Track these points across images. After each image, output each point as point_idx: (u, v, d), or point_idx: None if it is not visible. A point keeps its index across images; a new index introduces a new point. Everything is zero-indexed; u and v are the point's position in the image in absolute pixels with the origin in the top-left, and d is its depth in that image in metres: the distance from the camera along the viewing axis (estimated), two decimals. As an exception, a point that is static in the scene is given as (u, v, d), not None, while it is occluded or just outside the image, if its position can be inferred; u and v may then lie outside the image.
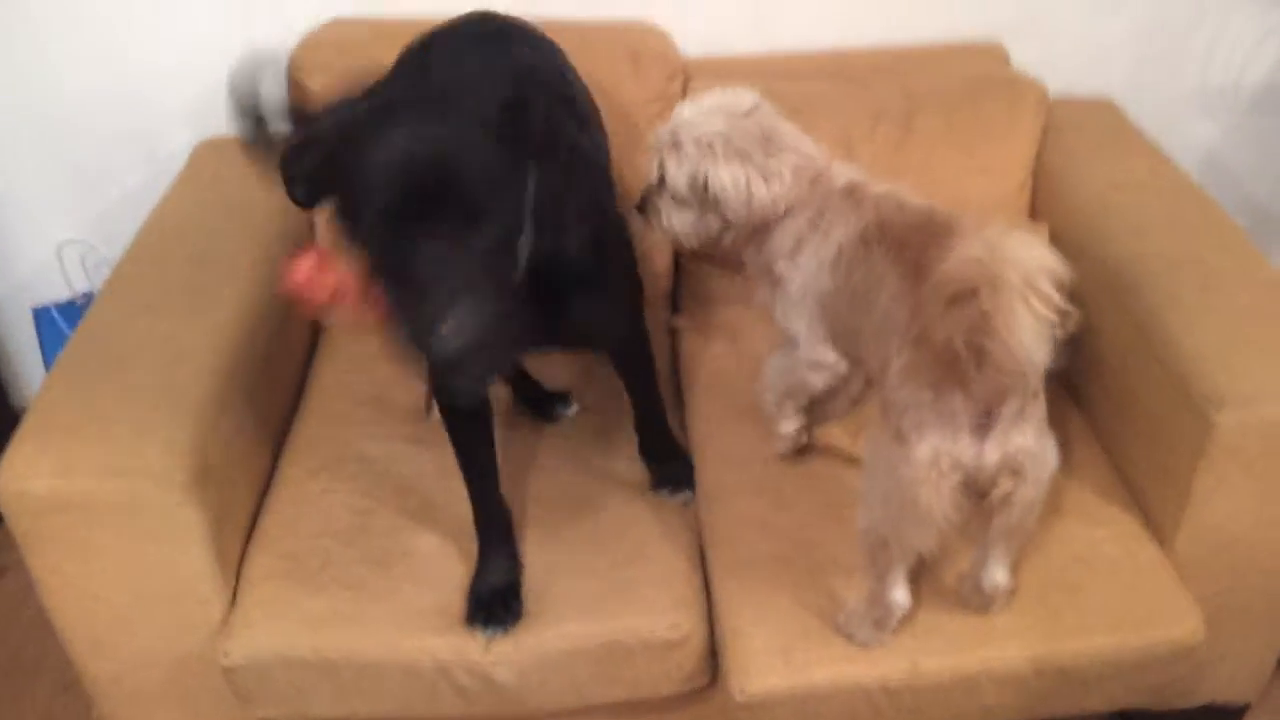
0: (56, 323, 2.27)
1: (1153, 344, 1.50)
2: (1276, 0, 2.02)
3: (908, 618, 1.39)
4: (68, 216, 2.20)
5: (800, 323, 1.47)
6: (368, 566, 1.50)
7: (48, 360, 2.29)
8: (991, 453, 1.21)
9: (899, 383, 1.24)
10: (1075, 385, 1.73)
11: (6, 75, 2.04)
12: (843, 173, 1.44)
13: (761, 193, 1.40)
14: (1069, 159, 1.85)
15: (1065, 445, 1.63)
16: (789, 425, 1.59)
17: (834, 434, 1.65)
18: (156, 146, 2.10)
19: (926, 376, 1.21)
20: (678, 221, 1.47)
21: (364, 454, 1.68)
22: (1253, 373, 1.40)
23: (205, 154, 1.96)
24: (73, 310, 2.26)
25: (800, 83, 1.88)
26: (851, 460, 1.61)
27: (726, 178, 1.39)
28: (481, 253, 1.08)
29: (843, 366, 1.48)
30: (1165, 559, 1.48)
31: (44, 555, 1.42)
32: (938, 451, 1.20)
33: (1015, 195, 1.85)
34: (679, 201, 1.45)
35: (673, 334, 1.93)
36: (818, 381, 1.51)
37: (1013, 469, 1.23)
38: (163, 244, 1.74)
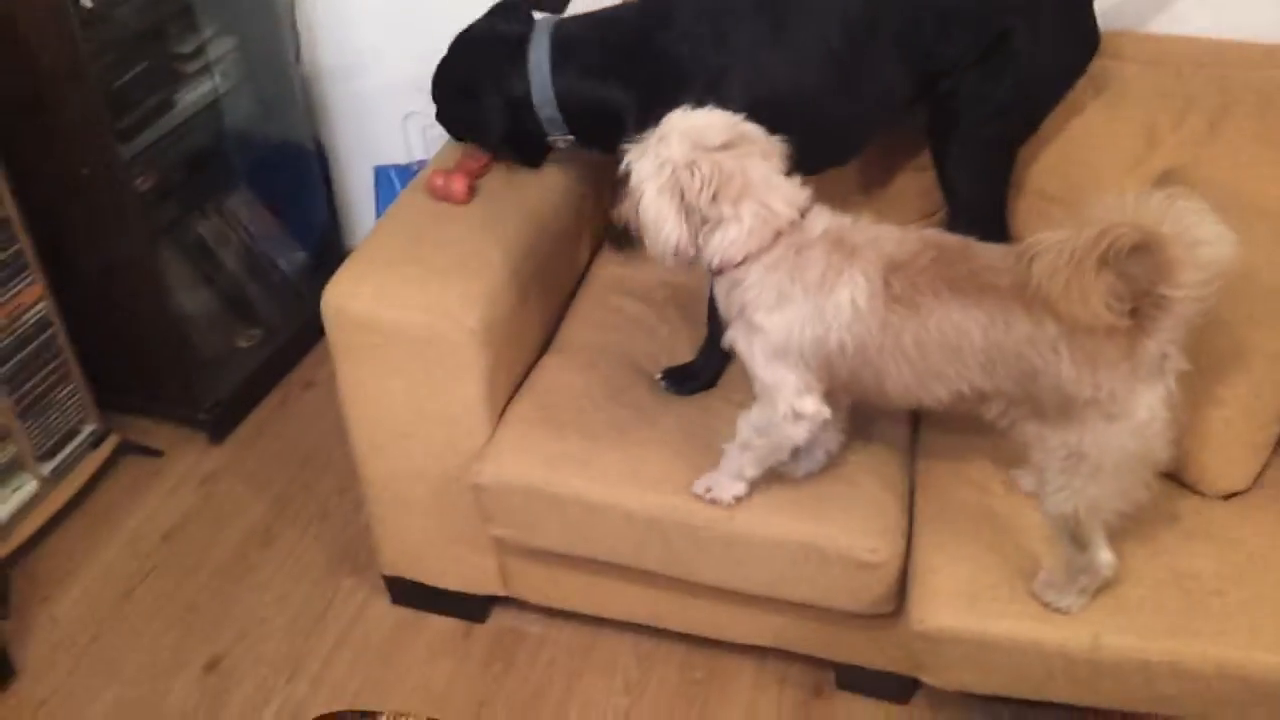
0: (393, 182, 2.57)
1: None
2: None
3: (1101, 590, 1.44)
4: (415, 91, 2.48)
5: (785, 372, 1.43)
6: (611, 428, 1.68)
7: (380, 212, 2.61)
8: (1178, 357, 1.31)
9: (1080, 374, 1.29)
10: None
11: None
12: (819, 221, 1.41)
13: (674, 240, 1.37)
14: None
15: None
16: (739, 489, 1.56)
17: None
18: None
19: (1113, 351, 1.27)
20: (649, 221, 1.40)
21: (630, 342, 1.86)
22: None
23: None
24: (407, 173, 2.56)
25: (1113, 61, 1.86)
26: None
27: (651, 210, 1.36)
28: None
29: (826, 413, 1.45)
30: (1389, 600, 1.43)
31: (351, 367, 1.69)
32: (1153, 408, 1.30)
33: (1321, 208, 1.76)
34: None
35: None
36: (799, 434, 1.47)
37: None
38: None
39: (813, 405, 1.45)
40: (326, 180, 2.65)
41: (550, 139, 1.76)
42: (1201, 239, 1.21)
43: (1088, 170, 1.84)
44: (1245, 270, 1.59)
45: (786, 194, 1.40)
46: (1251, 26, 1.91)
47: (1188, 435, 1.55)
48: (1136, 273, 1.23)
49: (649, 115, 1.54)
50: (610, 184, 1.74)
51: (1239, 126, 1.77)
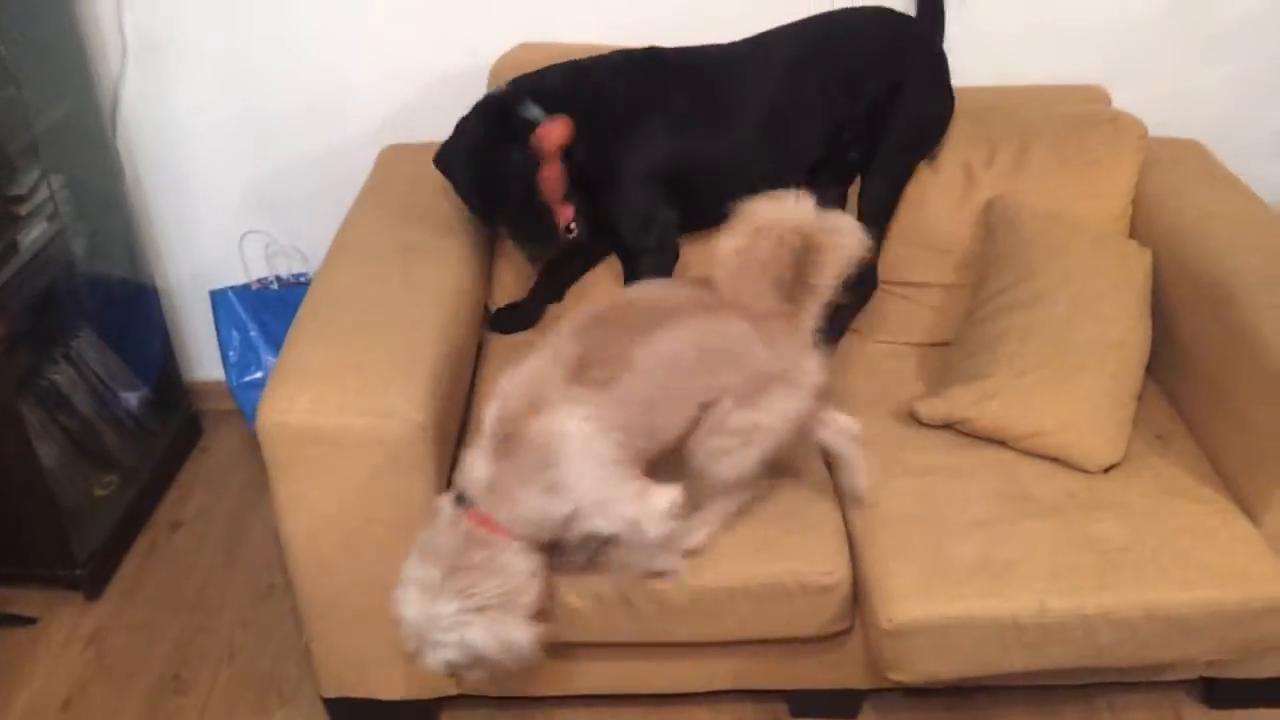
0: (233, 304, 2.50)
1: (1248, 349, 1.72)
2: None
3: (1033, 564, 1.62)
4: (252, 210, 2.46)
5: (618, 486, 1.52)
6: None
7: (222, 338, 2.53)
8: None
9: (769, 353, 1.55)
10: (1173, 388, 1.95)
11: (216, 84, 2.31)
12: (469, 479, 1.52)
13: (518, 622, 1.49)
14: (1165, 189, 2.08)
15: (1166, 440, 1.87)
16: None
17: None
18: (340, 151, 2.35)
19: (785, 328, 1.57)
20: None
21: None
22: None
23: (391, 157, 2.24)
24: (247, 294, 2.50)
25: (925, 114, 2.13)
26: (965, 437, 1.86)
27: (480, 639, 1.47)
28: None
29: (676, 495, 1.55)
30: (1257, 532, 1.69)
31: (290, 483, 1.64)
32: (814, 372, 1.60)
33: (1118, 219, 2.08)
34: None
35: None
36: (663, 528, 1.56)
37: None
38: (367, 231, 2.00)
39: (665, 499, 1.53)
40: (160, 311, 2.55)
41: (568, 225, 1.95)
42: (842, 233, 1.52)
43: (925, 210, 2.09)
44: (1082, 277, 1.88)
45: (479, 475, 1.52)
46: (1020, 72, 2.25)
47: (1067, 426, 1.78)
48: (789, 264, 1.55)
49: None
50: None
51: (1040, 158, 2.08)
